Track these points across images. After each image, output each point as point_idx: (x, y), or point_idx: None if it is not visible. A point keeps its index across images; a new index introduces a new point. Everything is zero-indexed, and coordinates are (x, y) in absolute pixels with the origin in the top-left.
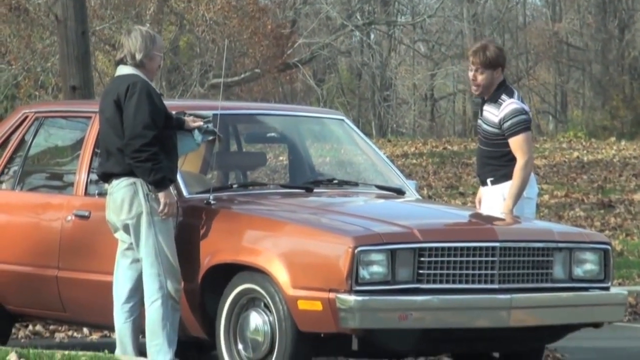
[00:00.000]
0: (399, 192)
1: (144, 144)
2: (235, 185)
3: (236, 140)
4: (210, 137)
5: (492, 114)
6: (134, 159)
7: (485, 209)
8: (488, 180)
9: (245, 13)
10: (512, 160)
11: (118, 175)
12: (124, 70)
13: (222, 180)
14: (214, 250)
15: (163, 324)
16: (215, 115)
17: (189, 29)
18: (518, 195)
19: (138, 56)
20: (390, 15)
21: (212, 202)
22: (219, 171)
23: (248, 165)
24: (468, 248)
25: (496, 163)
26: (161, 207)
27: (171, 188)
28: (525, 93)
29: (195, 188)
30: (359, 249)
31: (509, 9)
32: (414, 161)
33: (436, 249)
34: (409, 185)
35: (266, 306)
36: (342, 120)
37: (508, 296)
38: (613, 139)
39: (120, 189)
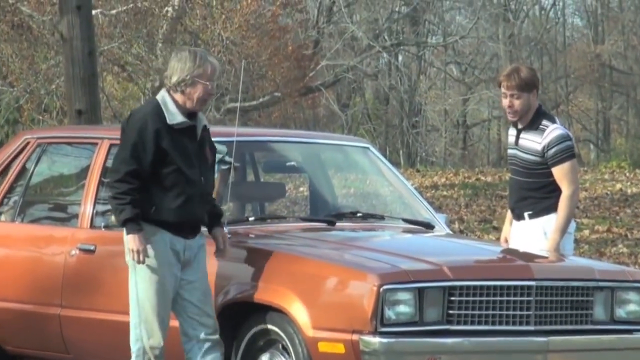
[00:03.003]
0: (428, 227)
1: (115, 179)
2: (251, 218)
3: (253, 169)
4: (225, 167)
5: (534, 141)
6: (109, 196)
7: (521, 246)
8: (526, 214)
9: (265, 32)
10: (555, 191)
11: None
12: (159, 93)
13: (237, 212)
14: (228, 287)
15: None
16: (231, 142)
17: (204, 50)
18: (565, 229)
19: (173, 79)
20: (420, 35)
21: (227, 235)
22: (234, 203)
23: (266, 196)
24: (502, 287)
25: (537, 195)
26: (128, 254)
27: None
28: (565, 120)
29: None
30: (385, 287)
31: (548, 29)
32: (445, 193)
33: (467, 287)
34: (439, 219)
35: (284, 348)
36: (368, 148)
37: (545, 339)
38: None
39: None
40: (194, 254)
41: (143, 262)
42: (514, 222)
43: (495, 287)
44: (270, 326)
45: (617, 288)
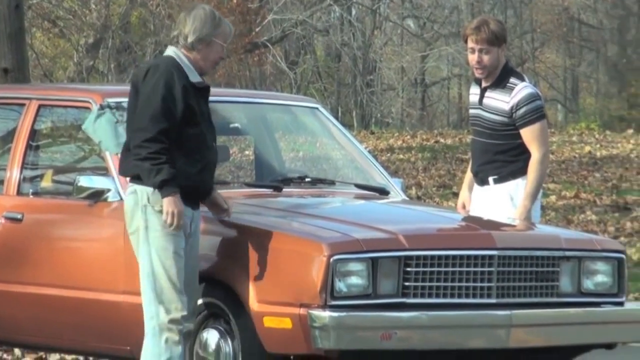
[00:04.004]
0: (382, 192)
1: (146, 139)
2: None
3: None
4: None
5: (501, 100)
6: (135, 156)
7: (484, 212)
8: (490, 179)
9: None
10: (522, 154)
11: (130, 179)
12: (167, 51)
13: None
14: None
15: None
16: None
17: (142, 3)
18: (536, 194)
19: (190, 38)
20: None
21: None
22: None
23: None
24: (461, 257)
25: (503, 158)
26: (163, 216)
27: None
28: (531, 78)
29: None
30: (335, 257)
31: None
32: (401, 156)
33: (424, 257)
34: (394, 185)
35: (227, 323)
36: (317, 108)
37: (507, 312)
38: (631, 131)
39: (127, 197)
40: (195, 227)
41: (179, 228)
42: (476, 187)
43: (454, 257)
44: (212, 300)
45: (584, 258)
